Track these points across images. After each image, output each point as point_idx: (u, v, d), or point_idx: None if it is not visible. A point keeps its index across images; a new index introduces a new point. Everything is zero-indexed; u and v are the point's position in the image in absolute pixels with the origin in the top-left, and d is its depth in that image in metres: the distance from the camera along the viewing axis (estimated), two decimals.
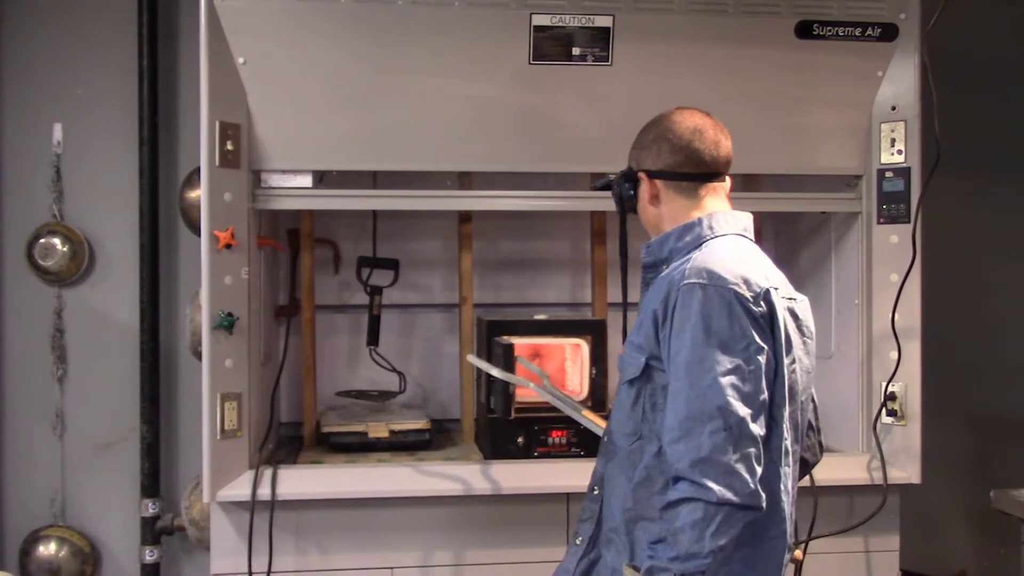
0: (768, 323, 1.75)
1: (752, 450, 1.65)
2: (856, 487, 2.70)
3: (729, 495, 1.61)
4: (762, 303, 1.74)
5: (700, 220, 1.89)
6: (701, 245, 1.85)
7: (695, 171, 1.90)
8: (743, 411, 1.65)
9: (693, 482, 1.63)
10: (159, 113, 3.26)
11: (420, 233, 3.21)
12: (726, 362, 1.67)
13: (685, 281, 1.74)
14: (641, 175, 1.94)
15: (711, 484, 1.61)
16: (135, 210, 3.24)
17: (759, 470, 1.65)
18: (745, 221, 1.94)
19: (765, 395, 1.70)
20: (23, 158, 3.28)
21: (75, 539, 3.27)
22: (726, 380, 1.66)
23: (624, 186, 1.98)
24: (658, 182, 1.92)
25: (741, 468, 1.63)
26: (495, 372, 2.54)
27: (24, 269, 3.27)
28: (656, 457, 1.76)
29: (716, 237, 1.86)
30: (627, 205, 1.99)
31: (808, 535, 2.64)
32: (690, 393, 1.68)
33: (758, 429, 1.67)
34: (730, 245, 1.85)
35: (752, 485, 1.63)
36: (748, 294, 1.73)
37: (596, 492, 1.94)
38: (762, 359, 1.70)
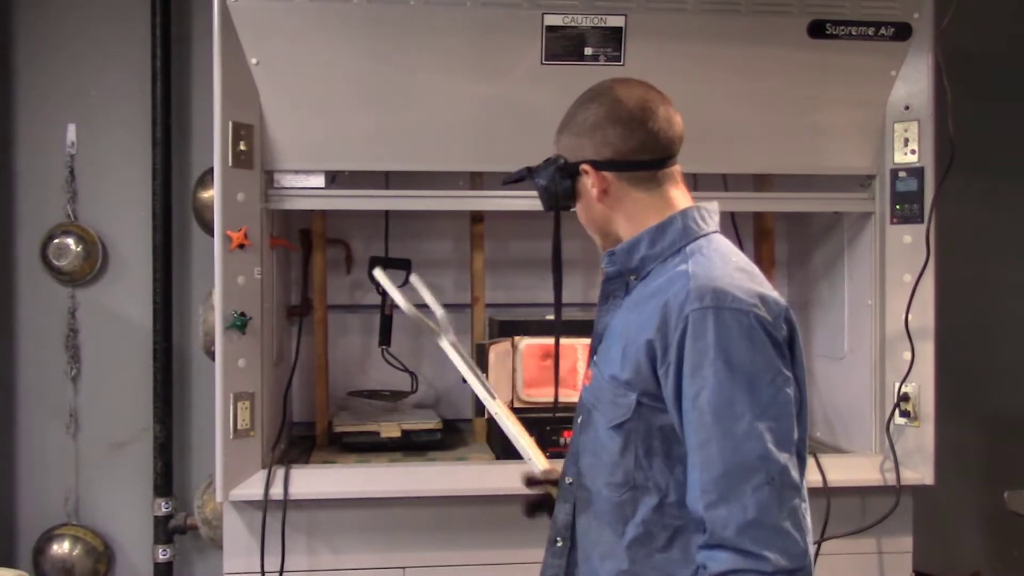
0: (789, 347, 1.51)
1: (796, 501, 1.42)
2: (869, 488, 2.69)
3: (784, 562, 1.38)
4: (783, 325, 1.49)
5: (674, 219, 1.59)
6: (682, 251, 1.57)
7: (652, 157, 1.60)
8: (783, 458, 1.41)
9: (743, 552, 1.38)
10: (172, 114, 3.27)
11: (432, 233, 3.22)
12: (758, 402, 1.42)
13: (692, 307, 1.45)
14: (585, 168, 1.61)
15: (767, 553, 1.37)
16: (148, 210, 3.25)
17: (806, 524, 1.44)
18: (717, 213, 1.66)
19: (796, 433, 1.47)
20: (37, 159, 3.30)
21: (89, 538, 3.28)
22: (763, 425, 1.41)
23: (559, 181, 1.66)
24: (608, 174, 1.60)
25: (790, 527, 1.40)
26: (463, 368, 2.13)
27: (38, 269, 3.29)
28: (657, 511, 1.52)
29: (697, 238, 1.58)
30: (561, 203, 1.68)
31: (821, 536, 2.63)
32: (724, 444, 1.41)
33: (797, 475, 1.44)
34: (723, 251, 1.57)
35: (802, 544, 1.41)
36: (769, 317, 1.46)
37: (560, 544, 1.67)
38: (791, 392, 1.46)
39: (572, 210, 1.71)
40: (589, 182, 1.62)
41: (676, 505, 1.52)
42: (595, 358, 1.68)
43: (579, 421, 1.68)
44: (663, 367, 1.48)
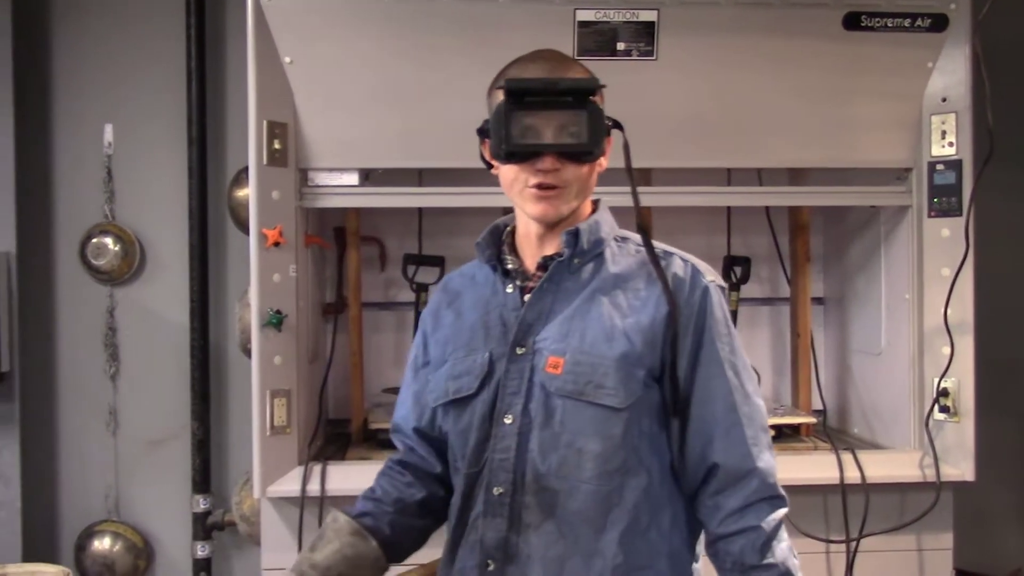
0: None
1: None
2: (908, 484, 2.66)
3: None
4: None
5: (603, 203, 1.64)
6: (621, 236, 1.64)
7: None
8: None
9: (781, 497, 1.55)
10: (207, 113, 3.30)
11: (465, 230, 3.19)
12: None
13: (708, 279, 1.56)
14: (610, 126, 1.53)
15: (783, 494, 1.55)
16: (184, 209, 3.29)
17: None
18: None
19: None
20: (75, 159, 3.34)
21: (129, 534, 3.32)
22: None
23: (604, 126, 1.52)
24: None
25: None
26: None
27: (77, 268, 3.33)
28: (645, 493, 1.52)
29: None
30: (597, 151, 1.52)
31: (859, 532, 2.61)
32: (754, 401, 1.55)
33: None
34: None
35: None
36: None
37: (492, 568, 1.53)
38: None
39: (587, 160, 1.53)
40: (608, 146, 1.56)
41: (659, 484, 1.55)
42: (552, 345, 1.53)
43: (531, 417, 1.52)
44: (684, 337, 1.52)
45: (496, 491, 1.53)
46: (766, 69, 2.59)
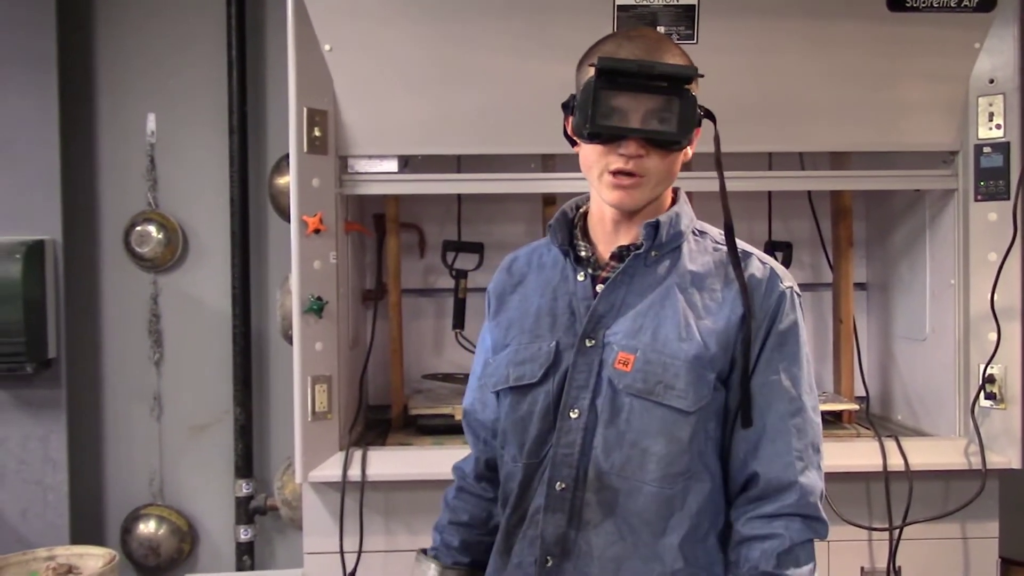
0: None
1: None
2: (953, 472, 2.63)
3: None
4: None
5: (682, 193, 1.59)
6: (699, 229, 1.59)
7: None
8: None
9: (819, 520, 1.48)
10: (248, 102, 3.33)
11: (504, 216, 3.22)
12: (811, 381, 1.53)
13: (786, 285, 1.51)
14: (701, 116, 1.47)
15: (824, 520, 1.50)
16: (226, 197, 3.32)
17: None
18: None
19: None
20: (120, 148, 3.38)
21: (173, 518, 3.37)
22: (815, 402, 1.53)
23: (696, 115, 1.44)
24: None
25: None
26: None
27: (122, 256, 3.38)
28: (708, 499, 1.48)
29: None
30: (685, 140, 1.45)
31: (903, 520, 2.58)
32: (808, 416, 1.49)
33: None
34: None
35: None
36: None
37: (550, 564, 1.49)
38: None
39: (673, 149, 1.45)
40: (696, 136, 1.49)
41: (718, 490, 1.51)
42: (623, 341, 1.49)
43: (597, 413, 1.49)
44: (756, 340, 1.48)
45: (559, 486, 1.49)
46: (808, 52, 2.56)
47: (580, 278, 1.55)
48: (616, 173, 1.45)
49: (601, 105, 1.40)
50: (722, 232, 1.55)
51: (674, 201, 1.58)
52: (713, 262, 1.54)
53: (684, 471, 1.46)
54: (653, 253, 1.52)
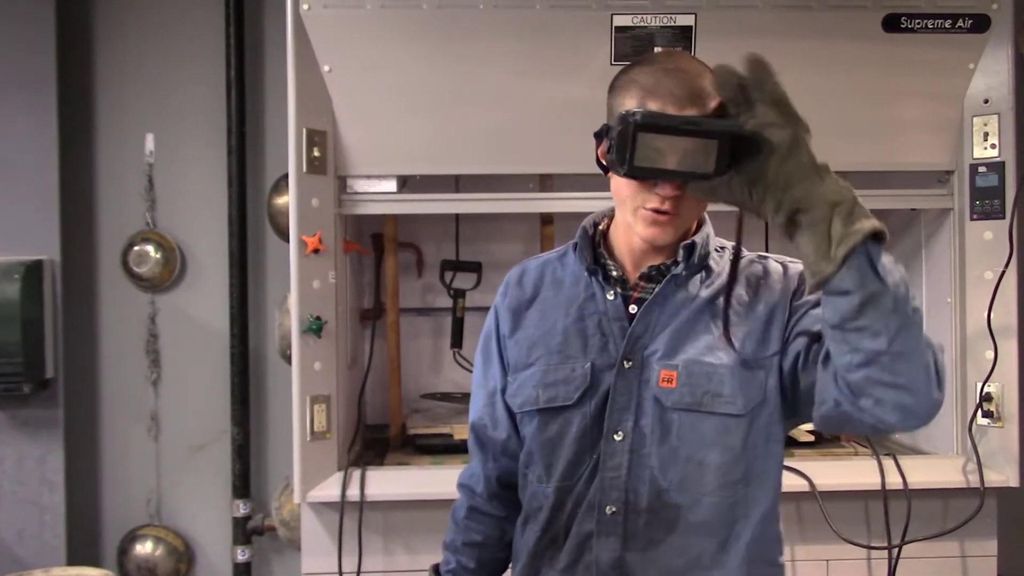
0: None
1: None
2: (951, 490, 2.63)
3: None
4: None
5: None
6: (720, 245, 1.60)
7: None
8: None
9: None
10: (246, 122, 3.34)
11: (502, 236, 3.23)
12: None
13: (799, 268, 1.52)
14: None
15: None
16: (224, 217, 3.32)
17: None
18: None
19: None
20: (118, 168, 3.39)
21: (170, 538, 3.36)
22: None
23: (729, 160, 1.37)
24: None
25: None
26: None
27: (120, 276, 3.38)
28: (770, 503, 1.51)
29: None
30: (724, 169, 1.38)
31: (902, 539, 2.58)
32: None
33: None
34: None
35: None
36: None
37: None
38: None
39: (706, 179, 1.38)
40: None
41: (778, 489, 1.53)
42: (663, 360, 1.49)
43: (644, 434, 1.49)
44: (785, 311, 1.49)
45: (609, 510, 1.49)
46: (804, 72, 2.57)
47: (610, 297, 1.56)
48: (654, 210, 1.45)
49: (640, 146, 1.36)
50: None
51: (700, 222, 1.59)
52: (749, 278, 1.56)
53: (741, 478, 1.47)
54: (684, 273, 1.54)
